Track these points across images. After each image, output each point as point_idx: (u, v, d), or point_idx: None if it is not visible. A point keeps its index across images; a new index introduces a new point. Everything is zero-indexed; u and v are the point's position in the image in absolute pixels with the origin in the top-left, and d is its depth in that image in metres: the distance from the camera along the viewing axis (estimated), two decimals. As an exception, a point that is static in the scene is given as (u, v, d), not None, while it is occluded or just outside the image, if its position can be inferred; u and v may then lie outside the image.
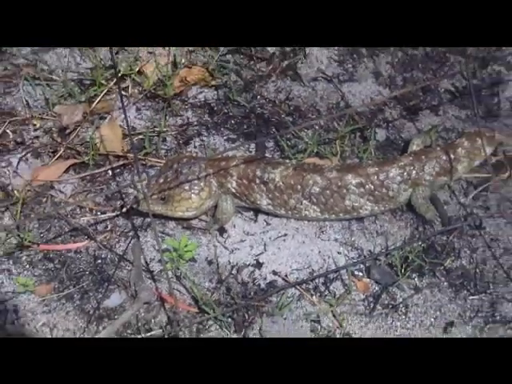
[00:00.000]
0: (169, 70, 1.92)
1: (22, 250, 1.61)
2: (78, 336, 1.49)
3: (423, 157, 1.65)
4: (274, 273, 1.59)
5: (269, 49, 2.03)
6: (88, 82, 1.93)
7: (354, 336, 1.49)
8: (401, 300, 1.54)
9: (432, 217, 1.65)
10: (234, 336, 1.49)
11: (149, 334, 1.48)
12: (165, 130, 1.84)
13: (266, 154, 1.80)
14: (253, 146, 1.82)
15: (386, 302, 1.54)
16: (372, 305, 1.53)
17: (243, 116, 1.89)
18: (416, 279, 1.57)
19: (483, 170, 1.73)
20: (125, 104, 1.86)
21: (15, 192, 1.70)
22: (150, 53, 1.98)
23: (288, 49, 2.02)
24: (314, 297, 1.55)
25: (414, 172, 1.63)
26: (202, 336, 1.49)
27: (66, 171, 1.76)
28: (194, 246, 1.56)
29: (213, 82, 1.94)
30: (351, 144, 1.81)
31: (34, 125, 1.85)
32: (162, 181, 1.60)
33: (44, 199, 1.71)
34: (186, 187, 1.59)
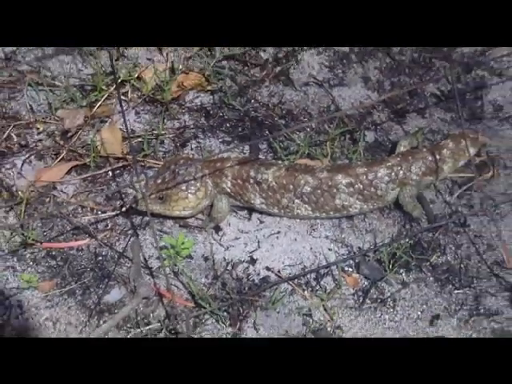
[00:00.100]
0: (167, 76, 1.92)
1: (25, 247, 1.62)
2: (79, 330, 1.49)
3: (410, 157, 1.65)
4: (268, 269, 1.60)
5: (262, 55, 2.02)
6: (89, 88, 1.93)
7: (344, 328, 1.50)
8: (389, 294, 1.55)
9: (419, 215, 1.66)
10: (229, 329, 1.49)
11: (147, 328, 1.48)
12: (163, 132, 1.84)
13: (260, 156, 1.80)
14: (247, 147, 1.82)
15: (375, 297, 1.55)
16: (361, 299, 1.55)
17: (238, 119, 1.89)
18: (403, 274, 1.58)
19: (467, 170, 1.74)
20: (124, 108, 1.84)
21: (19, 192, 1.70)
22: (149, 59, 1.98)
23: (281, 55, 2.01)
24: (305, 291, 1.56)
25: (401, 172, 1.63)
26: (198, 329, 1.49)
27: (68, 172, 1.76)
28: (190, 244, 1.55)
29: (209, 87, 1.95)
30: (341, 145, 1.81)
31: (38, 128, 1.86)
32: (159, 181, 1.60)
33: (47, 199, 1.72)
34: (183, 187, 1.60)
